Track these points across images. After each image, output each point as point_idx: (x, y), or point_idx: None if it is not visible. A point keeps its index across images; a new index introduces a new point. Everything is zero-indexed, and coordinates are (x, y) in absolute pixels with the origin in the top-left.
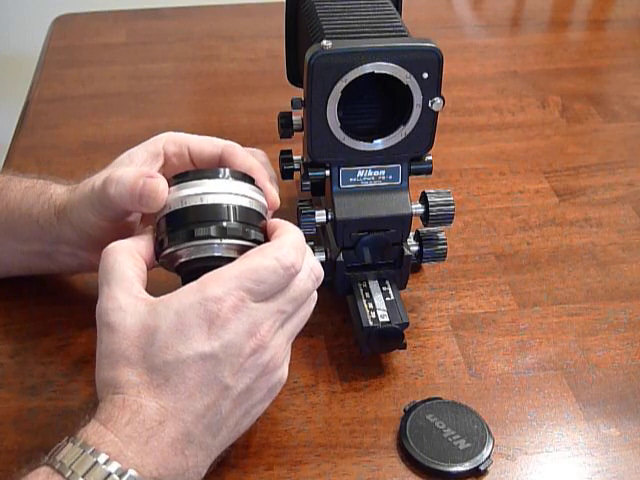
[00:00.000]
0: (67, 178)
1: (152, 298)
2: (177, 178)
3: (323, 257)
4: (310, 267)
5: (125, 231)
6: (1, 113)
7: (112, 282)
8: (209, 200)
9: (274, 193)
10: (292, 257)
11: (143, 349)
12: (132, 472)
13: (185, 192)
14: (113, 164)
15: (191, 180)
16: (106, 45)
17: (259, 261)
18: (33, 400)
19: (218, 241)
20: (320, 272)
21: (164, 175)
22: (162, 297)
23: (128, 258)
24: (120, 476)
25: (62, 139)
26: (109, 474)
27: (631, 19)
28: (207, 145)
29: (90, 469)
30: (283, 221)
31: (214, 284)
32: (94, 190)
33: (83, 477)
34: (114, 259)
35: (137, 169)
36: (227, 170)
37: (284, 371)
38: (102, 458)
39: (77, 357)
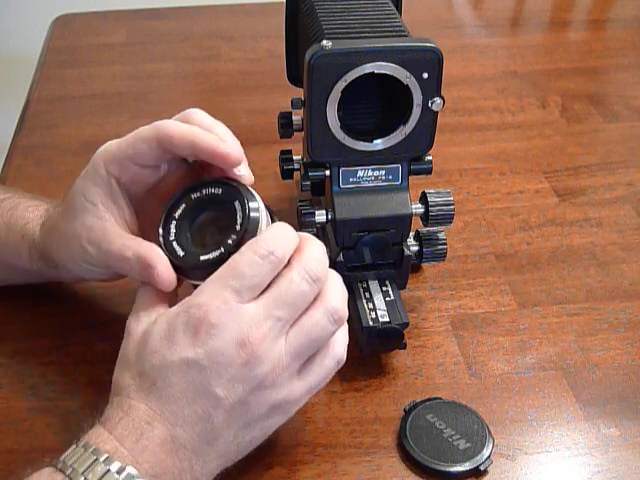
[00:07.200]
0: (67, 178)
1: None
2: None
3: None
4: (303, 267)
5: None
6: (1, 113)
7: (142, 295)
8: None
9: (235, 146)
10: (270, 245)
11: (138, 354)
12: (130, 469)
13: None
14: (69, 208)
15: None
16: (106, 45)
17: (236, 256)
18: (33, 400)
19: None
20: (317, 271)
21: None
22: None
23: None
24: (119, 472)
25: (62, 139)
26: (108, 470)
27: (631, 19)
28: (141, 146)
29: (90, 466)
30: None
31: (199, 291)
32: (88, 252)
33: (83, 474)
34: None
35: (137, 257)
36: None
37: (290, 390)
38: (102, 456)
39: (77, 357)
